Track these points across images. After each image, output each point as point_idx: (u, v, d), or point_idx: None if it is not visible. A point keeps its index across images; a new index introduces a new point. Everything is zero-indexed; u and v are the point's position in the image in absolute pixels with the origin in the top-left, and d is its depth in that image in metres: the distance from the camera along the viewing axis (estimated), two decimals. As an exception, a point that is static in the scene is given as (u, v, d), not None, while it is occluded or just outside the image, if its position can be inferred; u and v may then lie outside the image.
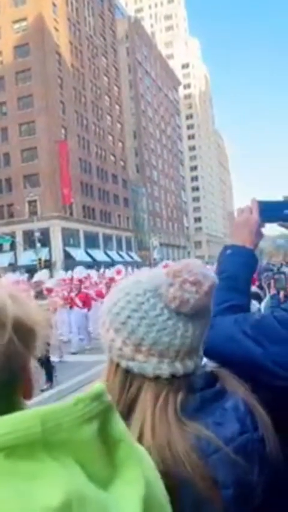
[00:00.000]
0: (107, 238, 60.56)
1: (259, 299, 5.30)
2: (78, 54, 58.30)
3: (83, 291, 12.55)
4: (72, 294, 12.15)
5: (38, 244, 42.88)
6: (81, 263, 28.14)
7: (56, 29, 52.68)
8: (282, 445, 0.79)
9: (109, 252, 58.62)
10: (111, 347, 0.81)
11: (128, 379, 0.80)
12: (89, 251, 53.83)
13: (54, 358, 8.46)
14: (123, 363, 0.80)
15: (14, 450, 0.42)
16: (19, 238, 48.53)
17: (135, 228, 70.06)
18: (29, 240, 47.14)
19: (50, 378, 7.57)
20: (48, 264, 40.21)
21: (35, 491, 0.40)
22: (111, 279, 14.96)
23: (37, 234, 43.23)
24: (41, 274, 15.25)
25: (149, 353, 0.78)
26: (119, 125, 68.45)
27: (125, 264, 30.53)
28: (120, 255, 60.42)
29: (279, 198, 1.33)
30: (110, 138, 64.99)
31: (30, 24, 50.82)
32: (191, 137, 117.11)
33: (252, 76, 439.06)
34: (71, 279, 14.69)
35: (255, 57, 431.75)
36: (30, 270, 29.42)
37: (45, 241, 47.03)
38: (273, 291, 4.15)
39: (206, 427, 0.74)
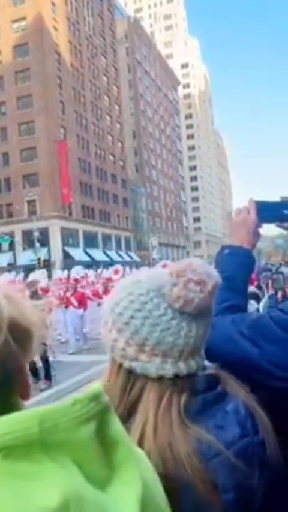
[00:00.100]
0: (106, 238, 60.57)
1: (258, 299, 5.30)
2: (78, 53, 58.29)
3: (79, 290, 12.42)
4: (68, 294, 12.08)
5: (37, 244, 42.90)
6: (80, 263, 28.15)
7: (55, 29, 52.67)
8: (282, 448, 0.79)
9: (108, 252, 58.63)
10: (114, 347, 0.80)
11: (131, 380, 0.80)
12: (88, 251, 53.84)
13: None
14: (126, 363, 0.79)
15: (11, 451, 0.42)
16: (18, 238, 48.52)
17: (134, 227, 70.07)
18: (28, 240, 47.17)
19: (48, 376, 7.58)
20: (48, 264, 40.20)
21: (32, 492, 0.40)
22: (108, 279, 14.91)
23: (36, 234, 43.23)
24: (37, 274, 15.21)
25: (153, 353, 0.77)
26: (118, 125, 68.45)
27: (124, 263, 30.55)
28: (120, 255, 60.45)
29: (277, 198, 1.33)
30: (110, 138, 64.99)
31: (30, 24, 50.81)
32: (190, 137, 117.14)
33: (251, 76, 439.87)
34: (67, 279, 14.65)
35: (254, 57, 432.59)
36: (29, 270, 29.41)
37: (44, 241, 47.05)
38: (271, 291, 4.15)
39: (207, 430, 0.74)
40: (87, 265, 29.21)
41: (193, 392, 0.79)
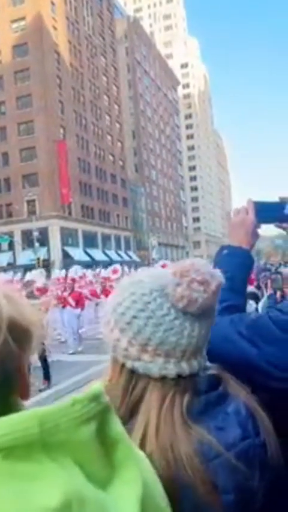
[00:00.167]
0: (106, 238, 60.57)
1: (257, 299, 5.31)
2: (77, 53, 58.27)
3: (76, 290, 12.39)
4: (65, 293, 12.07)
5: (37, 244, 42.90)
6: (79, 263, 28.19)
7: (55, 28, 52.64)
8: (282, 449, 0.79)
9: (108, 252, 58.63)
10: (116, 347, 0.80)
11: (133, 380, 0.80)
12: (88, 251, 53.85)
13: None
14: (129, 363, 0.79)
15: (12, 451, 0.42)
16: (18, 238, 48.52)
17: (133, 227, 70.07)
18: (28, 240, 47.15)
19: (47, 377, 7.57)
20: (47, 264, 40.18)
21: (33, 492, 0.40)
22: (106, 278, 14.86)
23: (36, 234, 43.24)
24: (33, 274, 15.14)
25: (155, 353, 0.77)
26: (117, 125, 68.44)
27: (123, 263, 30.52)
28: (119, 255, 60.44)
29: (276, 198, 1.33)
30: (109, 137, 64.98)
31: (29, 24, 50.78)
32: (189, 137, 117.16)
33: (251, 76, 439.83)
34: (65, 278, 14.63)
35: (254, 57, 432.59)
36: (29, 270, 29.37)
37: (44, 241, 47.04)
38: (270, 291, 4.16)
39: (208, 431, 0.74)
40: (86, 265, 29.20)
41: (195, 393, 0.79)
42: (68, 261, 43.00)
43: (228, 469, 0.71)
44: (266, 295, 4.47)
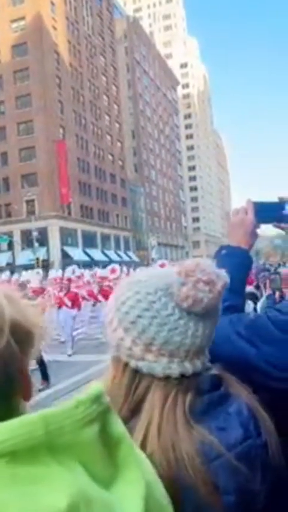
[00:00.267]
0: (105, 238, 60.57)
1: (256, 299, 5.32)
2: (77, 53, 58.26)
3: (73, 290, 12.31)
4: (61, 294, 11.97)
5: (36, 244, 42.84)
6: (79, 262, 28.16)
7: (54, 28, 52.63)
8: (284, 449, 0.79)
9: (107, 252, 58.62)
10: (120, 346, 0.80)
11: (137, 379, 0.80)
12: (87, 250, 53.85)
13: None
14: (133, 363, 0.79)
15: (17, 454, 0.42)
16: (17, 238, 48.47)
17: (133, 227, 70.07)
18: (27, 240, 47.08)
19: (45, 377, 7.55)
20: (46, 264, 40.16)
21: (41, 494, 0.40)
22: (104, 278, 14.75)
23: (35, 234, 43.18)
24: (29, 274, 15.10)
25: (159, 353, 0.77)
26: (117, 125, 68.43)
27: (123, 263, 30.51)
28: (118, 255, 60.43)
29: (275, 198, 1.33)
30: (108, 137, 64.98)
31: (29, 23, 50.77)
32: (189, 137, 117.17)
33: (251, 76, 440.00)
34: (62, 278, 14.58)
35: (254, 57, 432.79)
36: (27, 270, 29.36)
37: (43, 241, 47.02)
38: (269, 291, 4.15)
39: (209, 432, 0.74)
40: (86, 265, 29.20)
41: (198, 392, 0.79)
42: (67, 261, 42.97)
43: (229, 470, 0.71)
44: (264, 295, 4.47)
